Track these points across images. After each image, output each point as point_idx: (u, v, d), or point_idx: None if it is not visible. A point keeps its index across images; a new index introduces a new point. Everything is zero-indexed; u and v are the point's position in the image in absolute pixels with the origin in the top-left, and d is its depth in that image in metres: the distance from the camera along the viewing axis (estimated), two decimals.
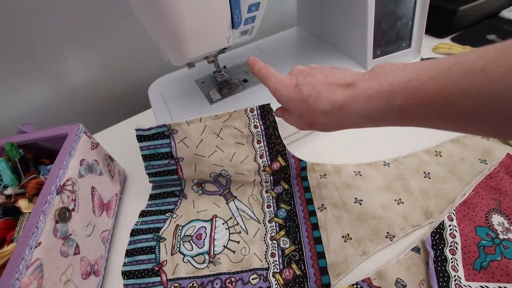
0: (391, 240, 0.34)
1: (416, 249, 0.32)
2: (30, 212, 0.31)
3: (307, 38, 0.54)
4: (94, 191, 0.36)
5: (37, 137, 0.37)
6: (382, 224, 0.35)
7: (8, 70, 0.49)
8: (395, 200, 0.38)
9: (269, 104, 0.38)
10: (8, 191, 0.34)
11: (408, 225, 0.35)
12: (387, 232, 0.34)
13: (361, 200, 0.38)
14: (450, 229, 0.32)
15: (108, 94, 0.62)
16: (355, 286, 0.30)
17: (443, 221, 0.33)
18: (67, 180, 0.32)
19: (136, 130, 0.38)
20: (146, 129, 0.38)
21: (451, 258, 0.30)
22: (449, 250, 0.31)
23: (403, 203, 0.37)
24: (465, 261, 0.30)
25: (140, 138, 0.38)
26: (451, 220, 0.33)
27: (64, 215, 0.30)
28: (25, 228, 0.27)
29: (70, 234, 0.30)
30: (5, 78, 0.49)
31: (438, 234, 0.32)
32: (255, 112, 0.38)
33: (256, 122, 0.39)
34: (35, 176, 0.35)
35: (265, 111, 0.38)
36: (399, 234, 0.34)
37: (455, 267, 0.29)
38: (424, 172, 0.40)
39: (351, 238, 0.35)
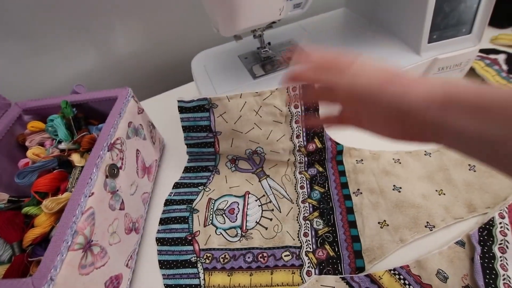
0: (431, 230, 0.33)
1: (460, 243, 0.31)
2: (82, 166, 0.33)
3: (355, 19, 0.52)
4: (138, 153, 0.38)
5: (89, 98, 0.39)
6: (421, 213, 0.34)
7: (61, 37, 0.52)
8: (436, 190, 0.36)
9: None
10: (62, 145, 0.36)
11: (449, 217, 0.33)
12: (427, 222, 0.33)
13: (400, 188, 0.36)
14: (501, 227, 0.30)
15: (151, 65, 0.63)
16: (392, 272, 0.30)
17: (493, 217, 0.31)
18: (117, 139, 0.33)
19: (178, 101, 0.39)
20: (188, 101, 0.38)
21: (500, 257, 0.28)
22: (498, 248, 0.29)
23: (444, 194, 0.36)
24: None
25: (181, 110, 0.39)
26: (503, 217, 0.31)
27: (113, 171, 0.32)
28: (80, 178, 0.28)
29: (117, 190, 0.32)
30: (58, 44, 0.52)
31: (486, 230, 0.31)
32: (297, 92, 0.37)
33: (297, 102, 0.38)
34: (87, 133, 0.36)
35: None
36: (440, 225, 0.33)
37: (505, 266, 0.28)
38: (469, 165, 0.38)
39: (387, 225, 0.34)
